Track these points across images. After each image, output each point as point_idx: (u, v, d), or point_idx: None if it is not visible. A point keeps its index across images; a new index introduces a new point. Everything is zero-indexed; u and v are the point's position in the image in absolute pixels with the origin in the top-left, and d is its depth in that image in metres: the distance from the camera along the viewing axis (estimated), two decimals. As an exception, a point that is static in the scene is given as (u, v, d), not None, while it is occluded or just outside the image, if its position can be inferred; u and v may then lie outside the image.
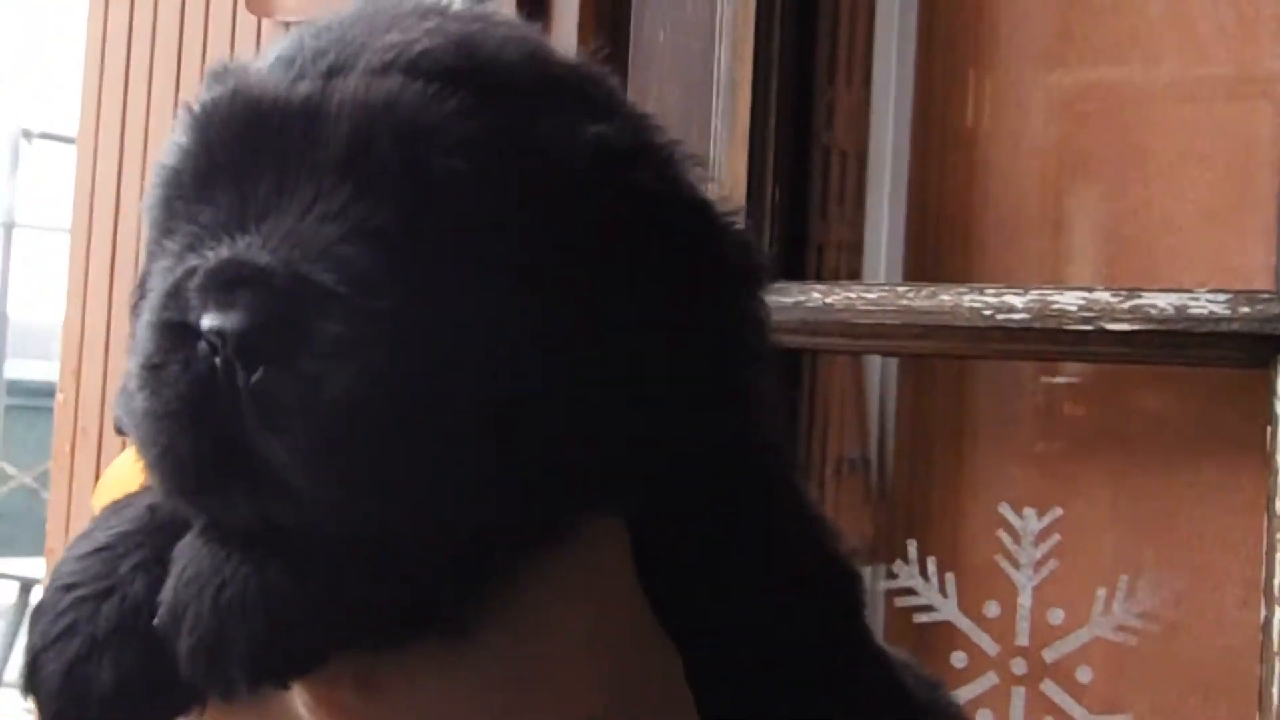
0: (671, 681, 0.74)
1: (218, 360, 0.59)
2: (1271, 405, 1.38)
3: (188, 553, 0.66)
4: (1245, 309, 1.39)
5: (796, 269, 1.63)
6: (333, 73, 0.66)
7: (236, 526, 0.64)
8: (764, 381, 0.76)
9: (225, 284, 0.60)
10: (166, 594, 0.65)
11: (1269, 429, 1.37)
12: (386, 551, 0.64)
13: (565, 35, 1.62)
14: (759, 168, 1.58)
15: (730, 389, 0.73)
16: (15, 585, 6.76)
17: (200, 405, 0.60)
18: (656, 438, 0.69)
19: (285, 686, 0.66)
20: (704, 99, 1.60)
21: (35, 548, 5.41)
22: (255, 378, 0.59)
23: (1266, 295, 1.39)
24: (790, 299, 1.51)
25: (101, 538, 0.69)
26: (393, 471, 0.61)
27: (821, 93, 1.70)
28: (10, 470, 8.71)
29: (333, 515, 0.62)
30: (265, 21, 1.84)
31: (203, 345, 0.60)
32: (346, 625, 0.64)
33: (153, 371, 0.61)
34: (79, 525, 1.76)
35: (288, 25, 1.77)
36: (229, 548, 0.64)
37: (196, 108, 0.68)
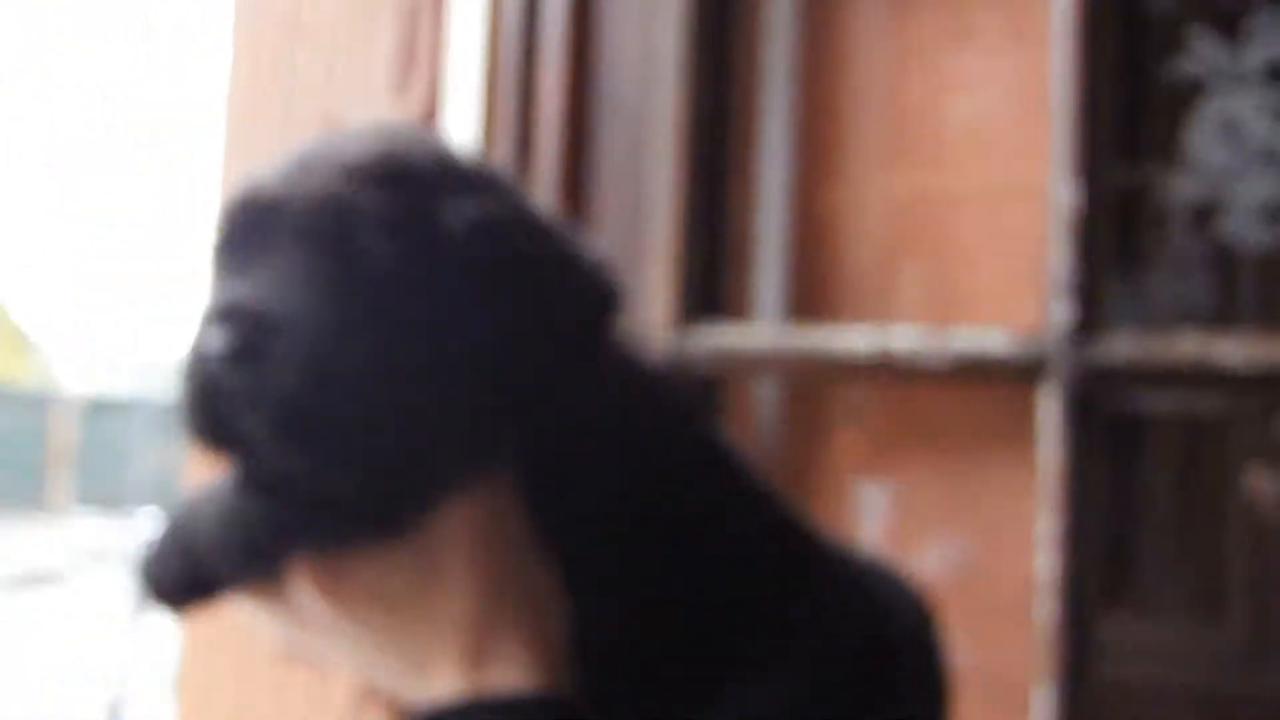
0: (548, 588, 0.86)
1: (216, 367, 0.78)
2: (1034, 412, 1.56)
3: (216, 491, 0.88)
4: (1017, 348, 1.57)
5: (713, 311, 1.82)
6: (301, 176, 0.83)
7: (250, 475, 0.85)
8: (607, 371, 0.91)
9: (216, 318, 0.79)
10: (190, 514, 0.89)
11: (1034, 429, 1.56)
12: (337, 492, 0.82)
13: (546, 139, 1.86)
14: (684, 244, 1.79)
15: (576, 378, 0.86)
16: None
17: (204, 400, 0.80)
18: (524, 411, 0.84)
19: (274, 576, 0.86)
20: (641, 191, 1.83)
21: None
22: (230, 383, 0.78)
23: (1033, 335, 1.57)
24: (709, 337, 1.72)
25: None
26: (318, 439, 0.78)
27: (724, 215, 1.93)
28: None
29: (287, 466, 0.80)
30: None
31: (205, 362, 0.79)
32: (307, 538, 0.84)
33: (183, 378, 0.81)
34: None
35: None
36: (239, 488, 0.86)
37: (226, 202, 0.86)
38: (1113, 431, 1.73)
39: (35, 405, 22.34)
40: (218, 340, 0.78)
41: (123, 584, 8.19)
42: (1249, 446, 1.97)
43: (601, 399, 0.90)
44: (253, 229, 0.84)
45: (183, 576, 0.89)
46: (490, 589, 0.83)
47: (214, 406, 0.80)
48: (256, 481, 0.85)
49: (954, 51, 2.02)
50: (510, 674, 0.80)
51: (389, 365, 0.79)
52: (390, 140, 0.88)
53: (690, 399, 1.06)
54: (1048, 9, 1.63)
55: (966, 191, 2.01)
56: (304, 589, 0.85)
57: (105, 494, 21.06)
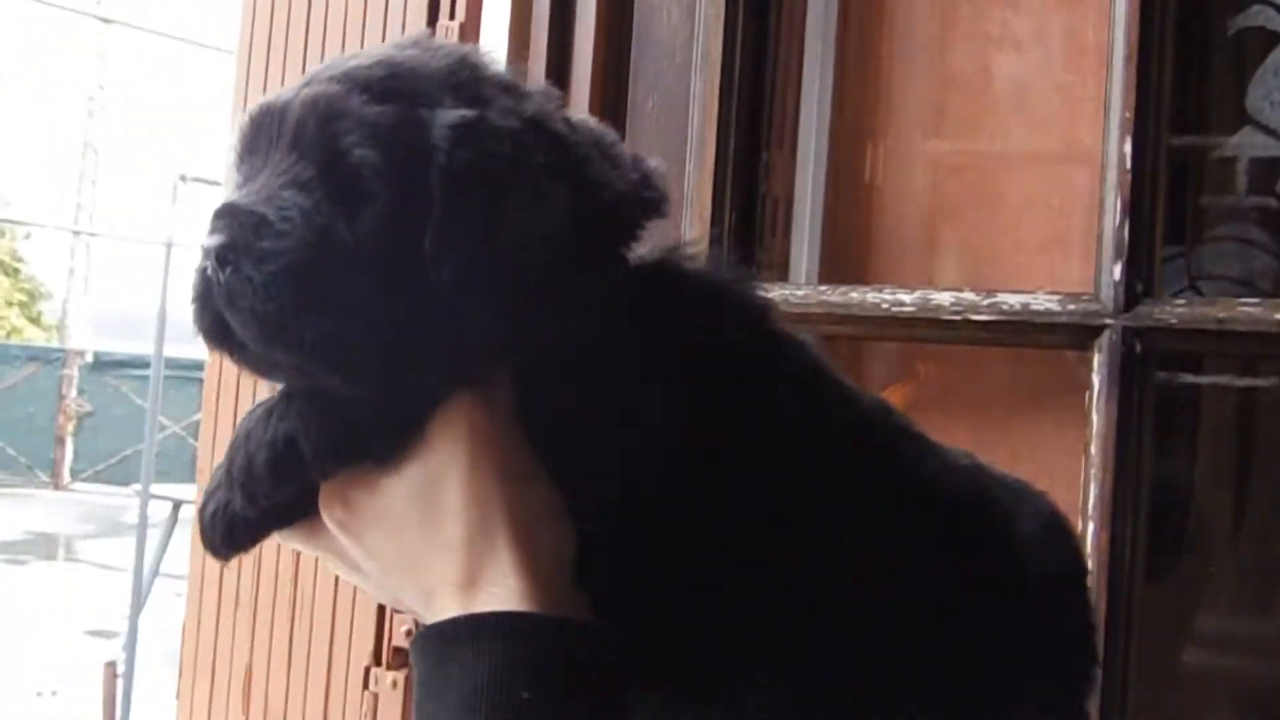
0: (547, 514, 0.86)
1: (208, 266, 0.81)
2: (1090, 376, 1.53)
3: (246, 419, 0.90)
4: (1071, 306, 1.55)
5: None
6: (304, 86, 0.86)
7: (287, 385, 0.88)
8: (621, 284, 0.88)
9: (215, 217, 0.82)
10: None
11: (1087, 393, 1.53)
12: (340, 401, 0.84)
13: (579, 102, 1.81)
14: (720, 204, 1.75)
15: (571, 290, 0.84)
16: (169, 505, 8.18)
17: (203, 295, 0.83)
18: (508, 318, 0.83)
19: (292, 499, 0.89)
20: (680, 152, 1.77)
21: (182, 477, 7.81)
22: (221, 277, 0.81)
23: (1086, 297, 1.55)
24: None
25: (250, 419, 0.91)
26: (295, 331, 0.81)
27: (762, 152, 1.88)
28: (166, 422, 11.90)
29: (272, 358, 0.84)
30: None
31: (202, 259, 0.82)
32: (325, 456, 0.86)
33: (195, 274, 0.84)
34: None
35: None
36: (267, 410, 0.88)
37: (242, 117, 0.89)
38: (1165, 401, 1.68)
39: (47, 364, 22.51)
40: (212, 238, 0.81)
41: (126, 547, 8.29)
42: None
43: (607, 313, 0.88)
44: (258, 137, 0.86)
45: (226, 524, 0.92)
46: (483, 515, 0.84)
47: (210, 301, 0.83)
48: (289, 400, 0.87)
49: (1001, 10, 2.00)
50: (500, 598, 0.81)
51: (366, 266, 0.81)
52: (399, 50, 0.89)
53: (749, 316, 0.94)
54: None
55: (1012, 158, 2.01)
56: (328, 522, 0.89)
57: (109, 448, 21.20)
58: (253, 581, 2.07)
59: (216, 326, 0.84)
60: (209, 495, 0.92)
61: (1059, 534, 1.04)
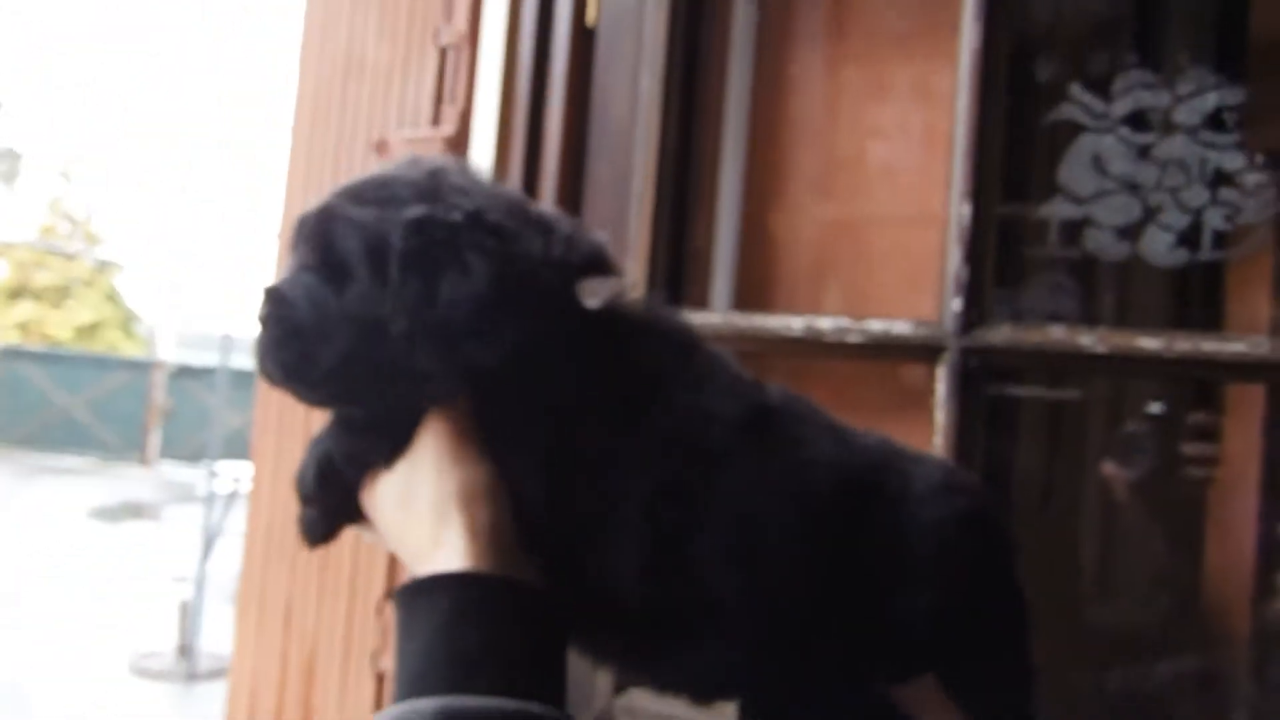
0: (487, 491, 0.85)
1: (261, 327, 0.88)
2: (935, 386, 1.52)
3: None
4: (922, 330, 1.54)
5: (677, 301, 1.79)
6: (321, 198, 0.90)
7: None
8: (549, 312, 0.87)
9: (264, 294, 0.88)
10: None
11: (933, 400, 1.52)
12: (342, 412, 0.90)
13: (549, 168, 1.83)
14: (655, 249, 1.76)
15: (504, 333, 0.84)
16: (231, 480, 8.14)
17: (258, 348, 0.89)
18: (456, 354, 0.83)
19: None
20: (625, 208, 1.78)
21: (241, 457, 7.14)
22: (263, 334, 0.88)
23: (933, 324, 1.53)
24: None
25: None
26: (300, 372, 0.87)
27: (688, 226, 1.88)
28: (229, 416, 11.19)
29: (304, 395, 0.89)
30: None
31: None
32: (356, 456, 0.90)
33: None
34: (272, 459, 1.97)
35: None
36: (310, 446, 0.93)
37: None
38: (994, 407, 1.65)
39: (139, 371, 22.46)
40: (259, 310, 0.88)
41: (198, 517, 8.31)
42: (1105, 432, 1.94)
43: (547, 344, 0.87)
44: (295, 237, 0.90)
45: (305, 525, 0.96)
46: (440, 494, 0.85)
47: (261, 358, 0.89)
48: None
49: (873, 106, 2.01)
50: (454, 559, 0.81)
51: (350, 327, 0.85)
52: (392, 168, 0.91)
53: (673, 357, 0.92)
54: (951, 74, 1.58)
55: (880, 217, 2.00)
56: (365, 509, 0.92)
57: (189, 447, 21.16)
58: (294, 532, 2.04)
59: (266, 372, 0.90)
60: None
61: (952, 491, 0.92)
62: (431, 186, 0.88)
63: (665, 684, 0.95)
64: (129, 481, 18.96)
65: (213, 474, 8.45)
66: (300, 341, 0.86)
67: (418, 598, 0.81)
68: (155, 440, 21.90)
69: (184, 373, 22.19)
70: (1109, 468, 1.81)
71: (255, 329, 0.89)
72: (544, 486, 0.86)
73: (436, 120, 1.98)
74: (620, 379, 0.89)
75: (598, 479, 0.86)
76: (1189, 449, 1.74)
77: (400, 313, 0.83)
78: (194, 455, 20.20)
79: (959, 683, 0.92)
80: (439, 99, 1.98)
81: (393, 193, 0.87)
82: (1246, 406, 1.75)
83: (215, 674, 7.72)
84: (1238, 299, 1.74)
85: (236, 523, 6.32)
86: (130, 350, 28.55)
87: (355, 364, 0.86)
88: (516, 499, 0.87)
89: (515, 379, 0.86)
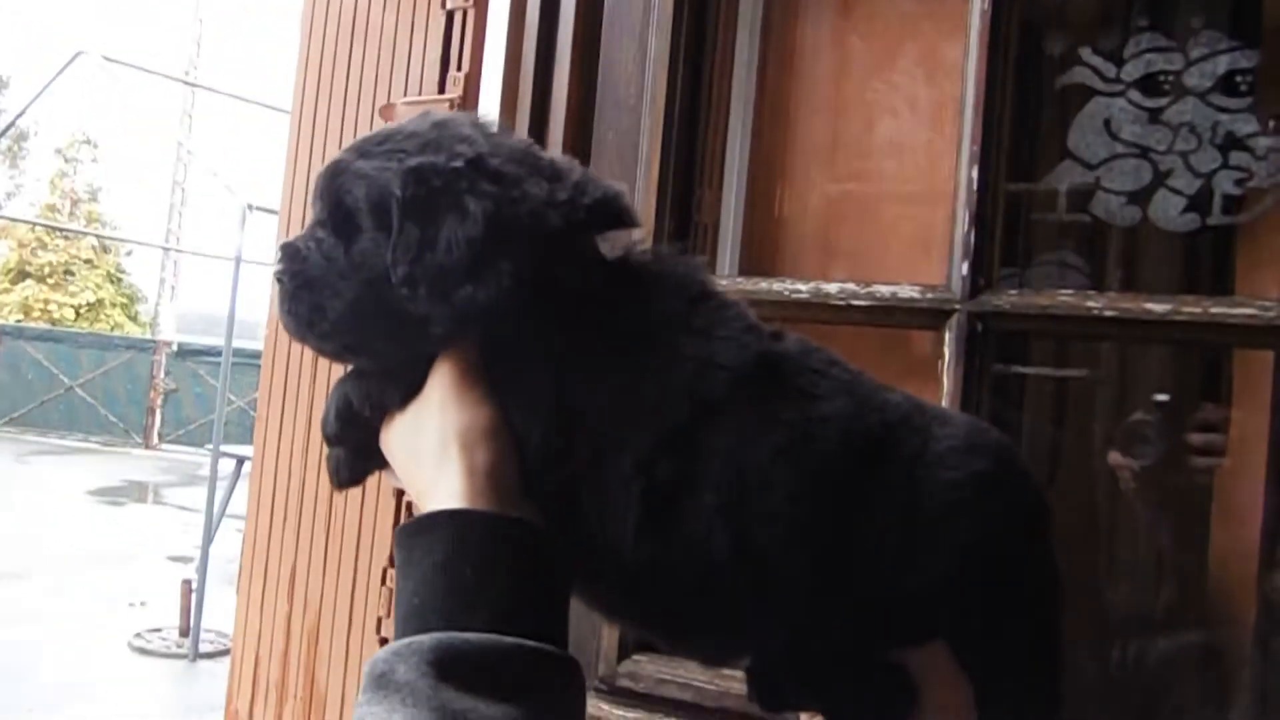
0: (488, 434, 0.86)
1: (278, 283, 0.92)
2: (943, 349, 1.52)
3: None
4: (929, 295, 1.54)
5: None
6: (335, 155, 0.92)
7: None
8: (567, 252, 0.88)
9: (279, 250, 0.91)
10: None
11: (940, 363, 1.52)
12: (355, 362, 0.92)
13: (556, 133, 1.82)
14: (661, 216, 1.75)
15: (504, 279, 0.83)
16: (234, 461, 8.24)
17: (279, 299, 0.92)
18: (477, 287, 0.83)
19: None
20: (631, 174, 1.76)
21: (244, 440, 8.04)
22: (279, 289, 0.91)
23: (941, 288, 1.53)
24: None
25: None
26: (313, 322, 0.89)
27: (695, 191, 1.86)
28: (232, 397, 12.08)
29: (313, 346, 0.92)
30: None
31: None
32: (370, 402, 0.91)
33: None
34: (277, 430, 1.98)
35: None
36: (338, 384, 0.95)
37: None
38: (999, 372, 1.66)
39: (142, 351, 22.51)
40: (276, 266, 0.91)
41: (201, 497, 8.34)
42: (1111, 411, 1.93)
43: (556, 289, 0.87)
44: (313, 192, 0.92)
45: (332, 467, 0.98)
46: (441, 436, 0.86)
47: (280, 312, 0.92)
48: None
49: (880, 84, 2.00)
50: (451, 498, 0.82)
51: (358, 277, 0.87)
52: (399, 123, 0.92)
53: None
54: (958, 56, 1.57)
55: (886, 192, 2.00)
56: (383, 450, 0.94)
57: (192, 427, 21.24)
58: (298, 501, 2.06)
59: (284, 326, 0.93)
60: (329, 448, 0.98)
61: (974, 452, 0.88)
62: (435, 137, 0.88)
63: (672, 642, 0.96)
64: (132, 462, 18.99)
65: (216, 455, 8.46)
66: (311, 294, 0.89)
67: (416, 536, 0.81)
68: (158, 421, 21.93)
69: (186, 353, 22.21)
70: (1116, 457, 1.80)
71: (274, 284, 0.92)
72: (542, 433, 0.86)
73: (443, 86, 1.98)
74: (625, 326, 0.88)
75: (597, 428, 0.85)
76: (1195, 439, 1.74)
77: (400, 260, 0.84)
78: (197, 436, 20.25)
79: (973, 653, 0.89)
80: (445, 64, 1.97)
81: (398, 145, 0.88)
82: (1253, 391, 1.76)
83: (217, 654, 7.76)
84: (1248, 265, 1.73)
85: (239, 504, 6.34)
86: (132, 330, 28.58)
87: (363, 314, 0.87)
88: (519, 444, 0.86)
89: (519, 323, 0.86)
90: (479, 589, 0.78)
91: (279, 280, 0.91)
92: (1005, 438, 0.94)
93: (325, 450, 0.98)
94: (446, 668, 0.72)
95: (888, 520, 0.85)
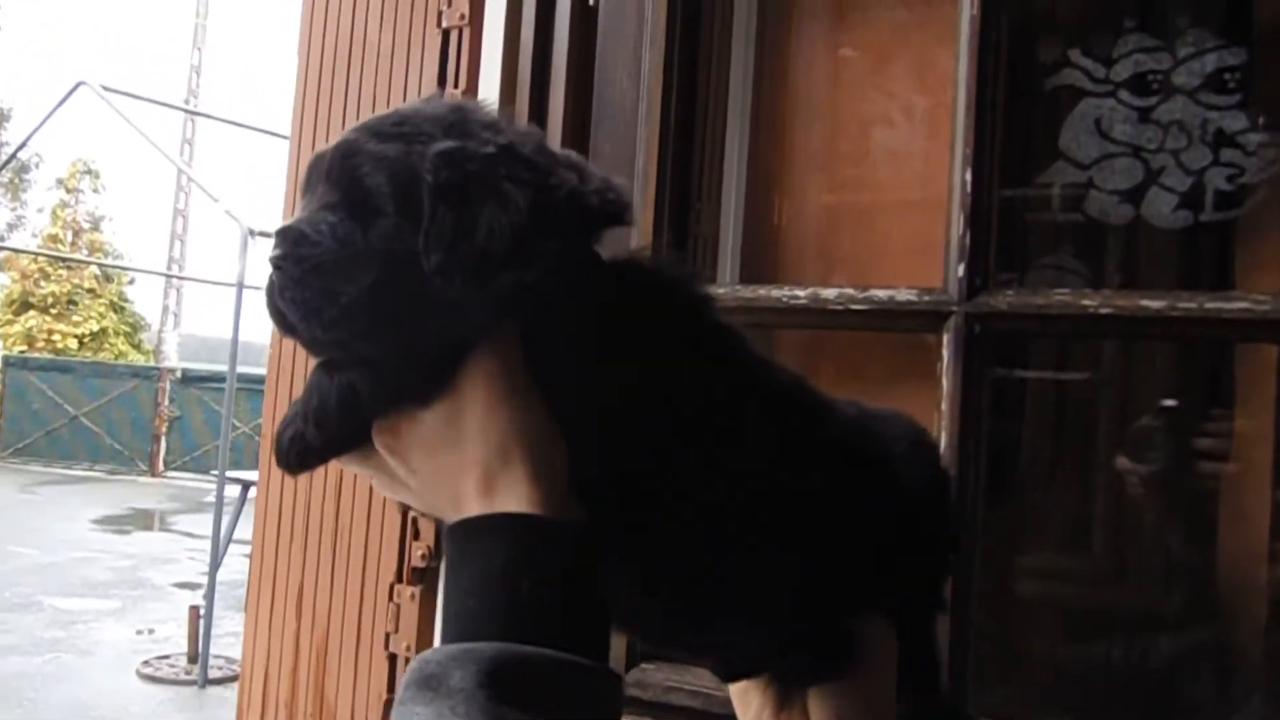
0: (548, 437, 0.84)
1: (270, 272, 0.84)
2: (941, 350, 1.53)
3: (312, 375, 0.89)
4: (926, 298, 1.55)
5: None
6: (340, 136, 0.87)
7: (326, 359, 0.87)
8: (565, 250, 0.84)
9: (275, 236, 0.84)
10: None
11: (939, 364, 1.53)
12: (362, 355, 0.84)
13: (554, 145, 1.81)
14: (659, 229, 1.75)
15: (539, 255, 0.82)
16: (239, 486, 8.38)
17: (268, 292, 0.84)
18: (510, 282, 0.81)
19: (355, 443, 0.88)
20: (629, 187, 1.75)
21: (249, 466, 8.27)
22: (279, 276, 0.83)
23: (938, 290, 1.54)
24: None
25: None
26: (323, 311, 0.82)
27: (692, 204, 1.88)
28: (237, 424, 12.18)
29: (319, 340, 0.84)
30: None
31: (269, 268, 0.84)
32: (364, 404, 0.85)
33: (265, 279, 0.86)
34: None
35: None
36: (322, 375, 0.87)
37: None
38: (998, 373, 1.69)
39: (146, 379, 22.56)
40: (272, 251, 0.84)
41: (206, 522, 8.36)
42: (1114, 416, 1.95)
43: (584, 292, 0.87)
44: (309, 178, 0.88)
45: (300, 447, 0.90)
46: (499, 437, 0.82)
47: (273, 301, 0.85)
48: (333, 366, 0.87)
49: (875, 92, 2.02)
50: (514, 502, 0.80)
51: (378, 262, 0.82)
52: (414, 106, 0.89)
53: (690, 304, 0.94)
54: (949, 62, 1.59)
55: (882, 202, 2.02)
56: (379, 448, 0.87)
57: (198, 454, 21.27)
58: (304, 519, 2.07)
59: (277, 315, 0.85)
60: (285, 425, 0.90)
61: (922, 448, 1.07)
62: (457, 121, 0.86)
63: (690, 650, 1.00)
64: (137, 490, 19.01)
65: (222, 480, 8.47)
66: (321, 278, 0.82)
67: (474, 537, 0.80)
68: (163, 448, 21.96)
69: (190, 380, 22.25)
70: (1123, 462, 1.81)
71: (269, 271, 0.85)
72: (588, 432, 0.86)
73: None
74: (628, 328, 0.89)
75: (639, 436, 0.87)
76: (1202, 443, 1.76)
77: (434, 246, 0.81)
78: (202, 463, 20.26)
79: (899, 613, 1.00)
80: (442, 82, 1.99)
81: (417, 127, 0.85)
82: (1256, 394, 1.77)
83: (226, 680, 7.76)
84: (1246, 262, 1.74)
85: (245, 530, 6.36)
86: (136, 359, 28.64)
87: (380, 300, 0.82)
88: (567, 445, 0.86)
89: (560, 315, 0.86)
90: (539, 600, 0.76)
91: (278, 266, 0.84)
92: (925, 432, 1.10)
93: (282, 431, 0.91)
94: (503, 681, 0.71)
95: (869, 513, 0.95)
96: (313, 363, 0.89)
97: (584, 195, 0.86)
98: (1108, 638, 1.84)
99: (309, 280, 0.82)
